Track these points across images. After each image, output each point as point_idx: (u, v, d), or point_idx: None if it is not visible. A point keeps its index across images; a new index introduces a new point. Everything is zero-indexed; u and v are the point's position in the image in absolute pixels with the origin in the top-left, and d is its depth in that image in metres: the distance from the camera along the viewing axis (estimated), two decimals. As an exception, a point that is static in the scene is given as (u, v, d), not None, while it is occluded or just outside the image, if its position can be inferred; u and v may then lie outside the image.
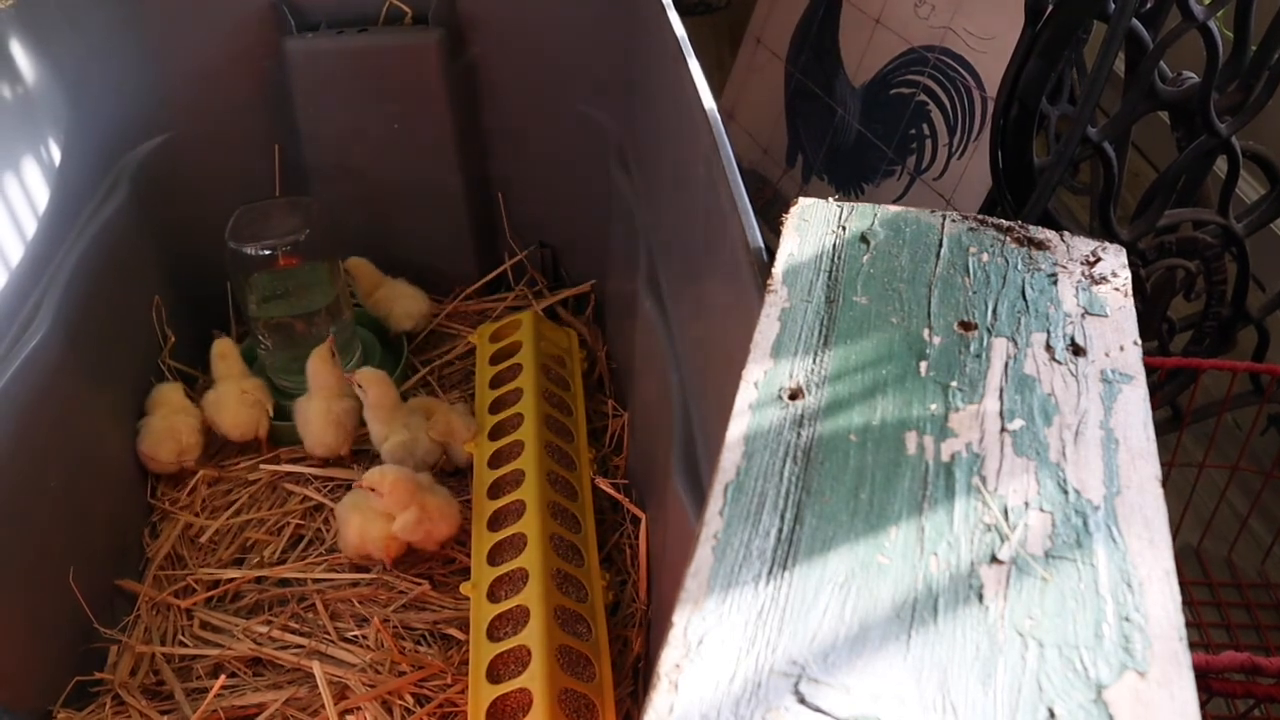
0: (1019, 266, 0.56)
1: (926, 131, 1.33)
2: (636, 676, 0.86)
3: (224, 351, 1.09)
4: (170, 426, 1.01)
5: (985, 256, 0.57)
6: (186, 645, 0.90)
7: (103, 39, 1.02)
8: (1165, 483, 0.44)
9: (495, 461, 0.98)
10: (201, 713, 0.83)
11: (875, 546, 0.41)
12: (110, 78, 1.04)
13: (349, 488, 1.02)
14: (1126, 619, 0.38)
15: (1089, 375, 0.49)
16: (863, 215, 0.60)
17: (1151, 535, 0.41)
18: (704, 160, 0.75)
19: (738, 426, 0.46)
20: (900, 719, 0.35)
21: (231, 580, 0.95)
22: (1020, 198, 0.96)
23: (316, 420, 1.02)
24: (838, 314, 0.53)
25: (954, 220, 0.59)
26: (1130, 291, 0.55)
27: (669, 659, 0.37)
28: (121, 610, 0.94)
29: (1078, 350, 0.50)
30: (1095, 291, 0.54)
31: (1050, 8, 0.89)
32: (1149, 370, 0.60)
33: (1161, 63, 0.87)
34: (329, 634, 0.90)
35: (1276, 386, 1.02)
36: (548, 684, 0.76)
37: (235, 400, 1.05)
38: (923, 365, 0.49)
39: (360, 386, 0.99)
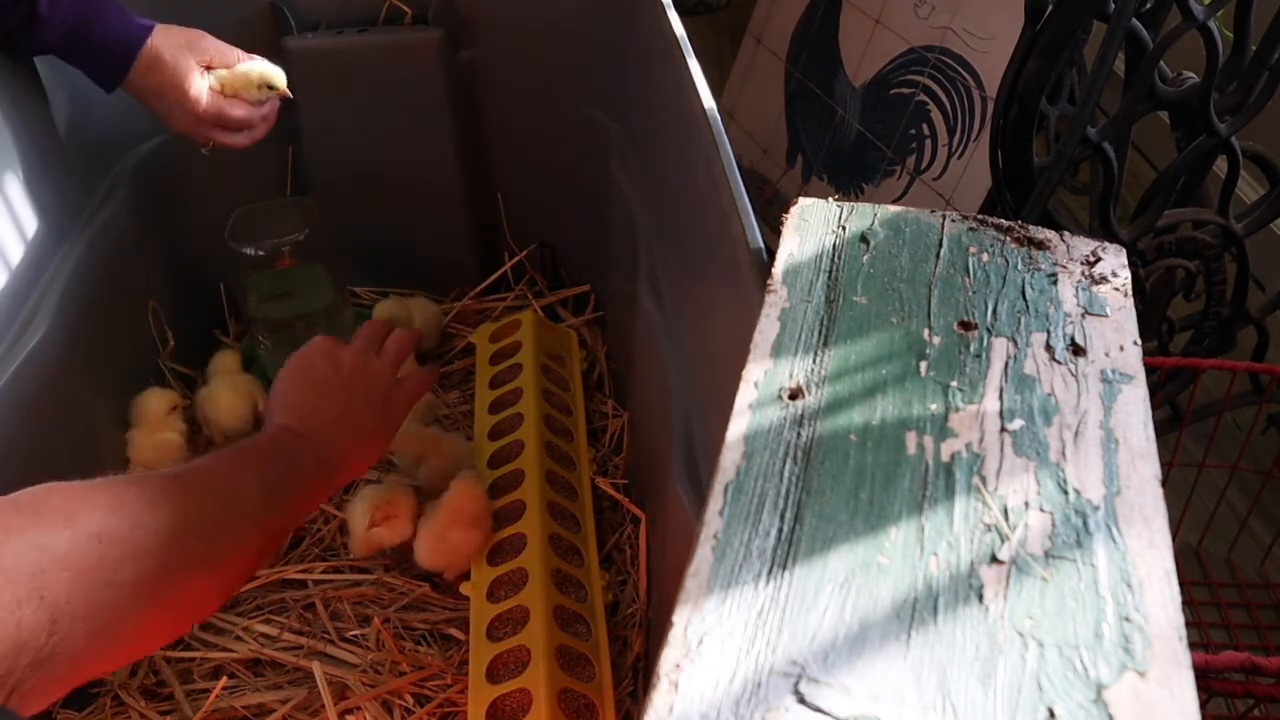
0: (1019, 266, 0.56)
1: (926, 131, 1.33)
2: (636, 676, 0.86)
3: (226, 359, 1.11)
4: (155, 443, 1.00)
5: (985, 256, 0.57)
6: (186, 646, 0.90)
7: (102, 39, 1.02)
8: (1165, 483, 0.44)
9: (495, 461, 0.98)
10: (204, 714, 0.83)
11: (875, 546, 0.41)
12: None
13: (349, 487, 1.02)
14: (1126, 619, 0.38)
15: (1089, 375, 0.49)
16: (863, 215, 0.60)
17: (1151, 535, 0.41)
18: (704, 160, 0.75)
19: (738, 426, 0.46)
20: (900, 719, 0.35)
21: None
22: (1020, 198, 0.97)
23: None
24: (838, 314, 0.53)
25: (954, 220, 0.60)
26: (1130, 291, 0.55)
27: (669, 659, 0.37)
28: (121, 610, 0.94)
29: (1078, 350, 0.50)
30: (1095, 291, 0.54)
31: (1050, 8, 0.90)
32: (1149, 370, 0.60)
33: (1161, 63, 0.87)
34: (329, 634, 0.90)
35: (1276, 386, 1.02)
36: (547, 684, 0.76)
37: (229, 391, 1.05)
38: (923, 365, 0.49)
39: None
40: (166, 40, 0.91)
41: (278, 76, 0.96)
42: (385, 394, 0.79)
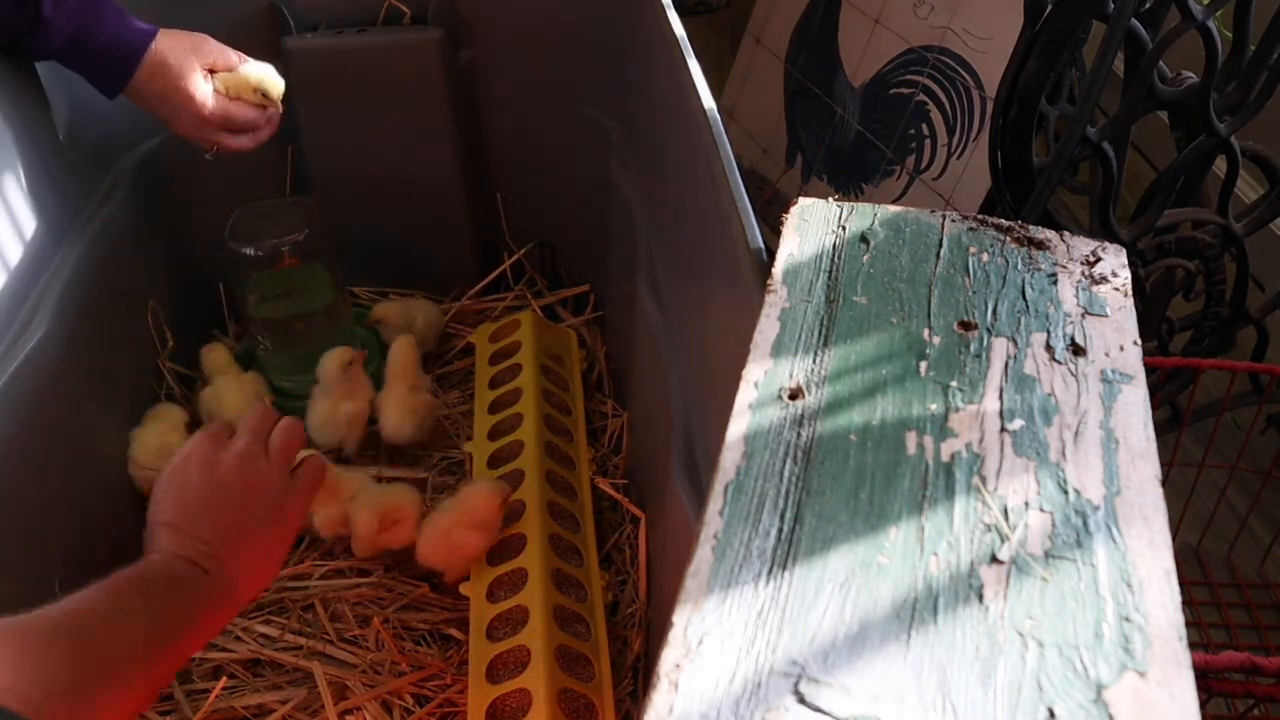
0: (1019, 266, 0.56)
1: (926, 131, 1.33)
2: (636, 676, 0.86)
3: (217, 354, 1.10)
4: (161, 445, 1.00)
5: (985, 256, 0.57)
6: (186, 645, 0.90)
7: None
8: (1165, 483, 0.44)
9: (494, 461, 0.98)
10: (204, 714, 0.83)
11: (875, 546, 0.41)
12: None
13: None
14: (1126, 619, 0.38)
15: (1089, 375, 0.49)
16: (862, 215, 0.60)
17: (1151, 535, 0.41)
18: (704, 160, 0.75)
19: (738, 426, 0.46)
20: (900, 719, 0.35)
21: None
22: (1020, 198, 0.96)
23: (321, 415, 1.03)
24: (838, 314, 0.53)
25: (954, 220, 0.60)
26: (1130, 291, 0.55)
27: (669, 659, 0.37)
28: (121, 610, 0.94)
29: (1078, 350, 0.50)
30: (1095, 291, 0.54)
31: (1050, 8, 0.90)
32: (1149, 370, 0.60)
33: (1161, 63, 0.87)
34: (329, 634, 0.90)
35: (1276, 386, 1.02)
36: (547, 684, 0.76)
37: (235, 390, 1.05)
38: (923, 365, 0.49)
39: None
40: (170, 44, 0.91)
41: (274, 85, 0.96)
42: (276, 500, 0.69)
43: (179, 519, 0.65)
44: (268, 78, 0.96)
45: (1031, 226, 0.59)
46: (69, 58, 0.90)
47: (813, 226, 0.59)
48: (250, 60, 0.96)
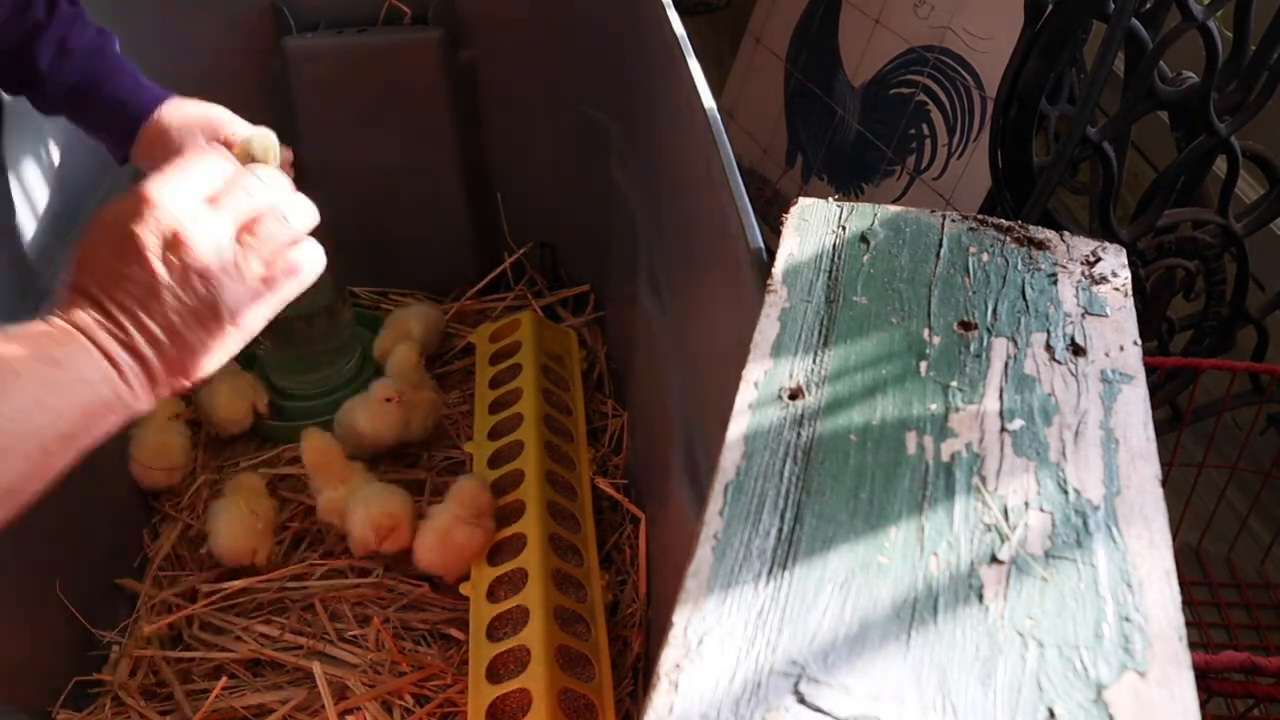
0: (1019, 266, 0.56)
1: (926, 131, 1.33)
2: (636, 676, 0.86)
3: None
4: (159, 442, 1.01)
5: (985, 256, 0.57)
6: (186, 646, 0.90)
7: (102, 39, 1.02)
8: (1165, 483, 0.44)
9: (495, 461, 0.98)
10: (204, 714, 0.83)
11: (875, 546, 0.41)
12: (110, 78, 1.03)
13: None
14: (1126, 619, 0.38)
15: (1089, 375, 0.49)
16: (863, 215, 0.60)
17: (1151, 535, 0.41)
18: (704, 160, 0.75)
19: (738, 426, 0.46)
20: (900, 719, 0.35)
21: (232, 581, 0.95)
22: (1020, 198, 0.96)
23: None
24: (838, 314, 0.53)
25: (954, 220, 0.60)
26: (1130, 291, 0.55)
27: (669, 659, 0.37)
28: (121, 611, 0.94)
29: (1078, 350, 0.50)
30: (1095, 291, 0.54)
31: (1050, 8, 0.89)
32: (1149, 370, 0.60)
33: (1161, 63, 0.87)
34: (329, 634, 0.90)
35: (1276, 386, 1.02)
36: (547, 684, 0.76)
37: (228, 388, 1.05)
38: (923, 365, 0.49)
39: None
40: (177, 114, 0.81)
41: (261, 150, 0.72)
42: (236, 300, 0.52)
43: (105, 284, 0.50)
44: (255, 140, 0.74)
45: (1031, 226, 0.59)
46: (72, 114, 0.83)
47: (813, 226, 0.59)
48: (254, 129, 0.80)
